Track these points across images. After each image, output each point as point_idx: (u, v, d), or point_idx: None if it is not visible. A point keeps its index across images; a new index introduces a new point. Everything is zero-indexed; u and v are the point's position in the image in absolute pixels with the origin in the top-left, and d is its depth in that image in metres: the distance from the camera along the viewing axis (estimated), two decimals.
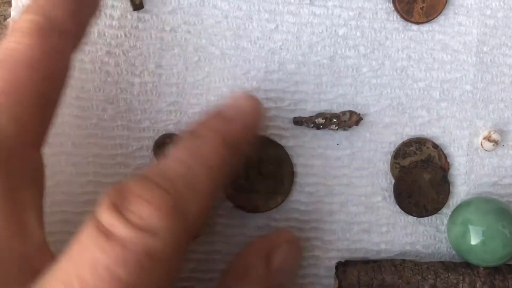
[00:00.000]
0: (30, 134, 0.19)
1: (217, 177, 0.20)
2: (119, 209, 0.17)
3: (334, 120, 0.28)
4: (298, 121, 0.28)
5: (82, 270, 0.16)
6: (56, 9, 0.21)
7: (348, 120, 0.28)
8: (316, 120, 0.28)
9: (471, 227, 0.26)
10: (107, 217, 0.17)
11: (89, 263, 0.16)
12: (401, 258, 0.28)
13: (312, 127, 0.28)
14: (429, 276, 0.27)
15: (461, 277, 0.27)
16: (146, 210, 0.17)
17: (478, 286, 0.27)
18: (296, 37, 0.28)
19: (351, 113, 0.28)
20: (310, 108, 0.28)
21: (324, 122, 0.28)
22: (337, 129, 0.28)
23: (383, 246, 0.29)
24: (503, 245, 0.26)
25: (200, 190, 0.19)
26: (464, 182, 0.29)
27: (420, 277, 0.27)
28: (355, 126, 0.28)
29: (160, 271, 0.17)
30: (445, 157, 0.29)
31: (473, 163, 0.29)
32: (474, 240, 0.26)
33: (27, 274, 0.17)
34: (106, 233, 0.17)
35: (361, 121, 0.28)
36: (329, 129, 0.28)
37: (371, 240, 0.29)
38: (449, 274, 0.27)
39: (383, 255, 0.29)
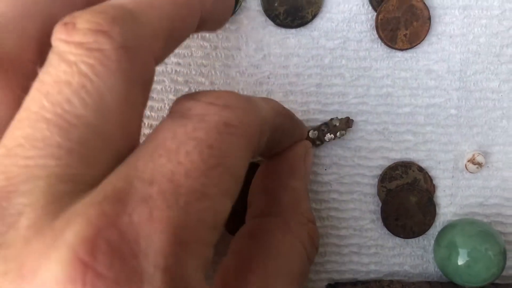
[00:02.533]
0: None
1: None
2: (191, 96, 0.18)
3: (322, 129, 0.28)
4: None
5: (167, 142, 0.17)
6: None
7: (339, 125, 0.28)
8: (309, 133, 0.28)
9: (456, 250, 0.27)
10: (182, 103, 0.18)
11: (170, 136, 0.17)
12: (390, 278, 0.29)
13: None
14: None
15: None
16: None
17: None
18: (283, 66, 0.29)
19: (340, 119, 0.29)
20: None
21: (317, 134, 0.28)
22: (333, 138, 0.28)
23: (372, 267, 0.29)
24: (487, 267, 0.27)
25: None
26: (450, 204, 0.30)
27: None
28: (350, 129, 0.29)
29: (238, 138, 0.18)
30: (431, 180, 0.29)
31: (458, 185, 0.29)
32: (458, 262, 0.27)
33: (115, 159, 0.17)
34: (182, 115, 0.18)
35: (350, 130, 0.29)
36: (325, 141, 0.28)
37: (360, 262, 0.29)
38: None
39: (372, 276, 0.29)
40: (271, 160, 0.26)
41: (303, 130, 0.27)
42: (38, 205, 0.15)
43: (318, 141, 0.28)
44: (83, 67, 0.16)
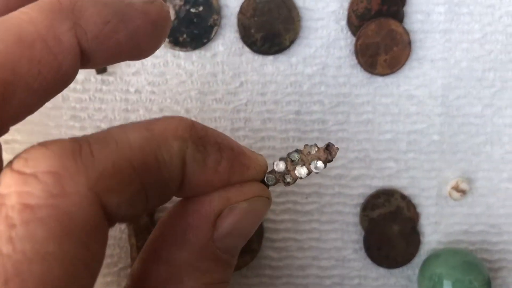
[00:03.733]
0: None
1: None
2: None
3: (295, 153, 0.21)
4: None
5: None
6: None
7: (315, 153, 0.21)
8: (275, 168, 0.21)
9: (440, 281, 0.26)
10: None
11: None
12: None
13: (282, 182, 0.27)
14: None
15: None
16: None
17: None
18: (261, 93, 0.28)
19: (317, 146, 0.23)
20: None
21: (286, 167, 0.21)
22: (308, 173, 0.21)
23: None
24: None
25: None
26: (434, 232, 0.29)
27: None
28: (329, 158, 0.21)
29: (44, 225, 0.14)
30: (414, 208, 0.29)
31: (442, 212, 0.29)
32: None
33: None
34: None
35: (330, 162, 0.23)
36: (299, 178, 0.24)
37: None
38: None
39: None
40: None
41: (249, 159, 0.19)
42: None
43: (288, 179, 0.21)
44: None
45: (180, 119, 0.18)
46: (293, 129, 0.28)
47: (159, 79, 0.28)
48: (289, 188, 0.28)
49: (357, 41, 0.28)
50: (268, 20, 0.28)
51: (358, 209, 0.29)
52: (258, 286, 0.28)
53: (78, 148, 0.15)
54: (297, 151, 0.21)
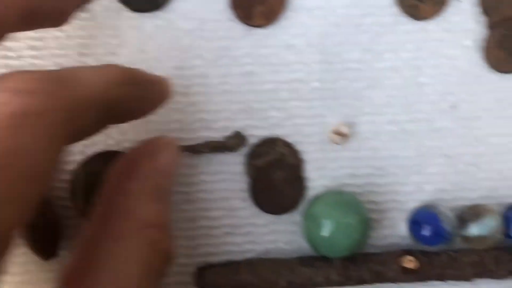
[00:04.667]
0: None
1: None
2: None
3: (220, 147, 0.28)
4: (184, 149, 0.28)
5: None
6: None
7: (234, 145, 0.28)
8: (202, 150, 0.28)
9: (317, 221, 0.27)
10: None
11: None
12: (265, 256, 0.29)
13: (197, 153, 0.28)
14: (285, 272, 0.28)
15: (316, 270, 0.28)
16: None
17: (332, 277, 0.28)
18: (141, 51, 0.29)
19: (236, 136, 0.28)
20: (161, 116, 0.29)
21: (210, 151, 0.28)
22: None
23: (246, 246, 0.29)
24: (347, 236, 0.27)
25: None
26: (320, 177, 0.29)
27: (276, 274, 0.28)
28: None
29: (34, 129, 0.17)
30: (298, 154, 0.29)
31: (327, 158, 0.29)
32: (320, 233, 0.27)
33: None
34: None
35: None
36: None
37: (234, 242, 0.29)
38: (305, 268, 0.28)
39: (247, 255, 0.29)
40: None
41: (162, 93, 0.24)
42: None
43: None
44: None
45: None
46: (176, 84, 0.29)
47: (39, 43, 0.28)
48: None
49: None
50: None
51: (243, 159, 0.29)
52: None
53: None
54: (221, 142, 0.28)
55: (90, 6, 0.28)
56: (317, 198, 0.28)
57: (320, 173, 0.29)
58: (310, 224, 0.27)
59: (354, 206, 0.27)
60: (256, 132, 0.29)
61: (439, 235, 0.28)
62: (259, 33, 0.29)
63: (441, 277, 0.28)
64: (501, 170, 0.30)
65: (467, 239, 0.28)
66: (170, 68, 0.29)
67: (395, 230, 0.30)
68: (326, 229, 0.27)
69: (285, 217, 0.29)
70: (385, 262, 0.28)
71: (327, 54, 0.29)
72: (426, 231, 0.28)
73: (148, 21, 0.29)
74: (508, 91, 0.30)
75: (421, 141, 0.29)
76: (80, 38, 0.29)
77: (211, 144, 0.28)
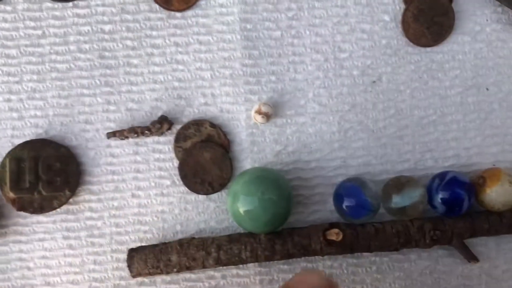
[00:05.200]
0: None
1: None
2: None
3: (147, 132, 0.29)
4: (111, 135, 0.29)
5: None
6: None
7: (160, 129, 0.29)
8: (128, 135, 0.29)
9: (237, 197, 0.27)
10: None
11: None
12: (198, 236, 0.30)
13: (123, 139, 0.29)
14: (213, 250, 0.28)
15: (243, 247, 0.28)
16: None
17: (259, 252, 0.28)
18: (64, 41, 0.29)
19: (162, 120, 0.29)
20: (88, 103, 0.29)
21: (137, 136, 0.29)
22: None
23: (178, 227, 0.30)
24: (267, 211, 0.27)
25: None
26: (248, 156, 0.30)
27: (204, 252, 0.28)
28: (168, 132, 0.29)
29: None
30: (224, 135, 0.30)
31: (253, 137, 0.30)
32: (241, 209, 0.27)
33: None
34: None
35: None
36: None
37: (167, 223, 0.30)
38: (232, 245, 0.28)
39: (180, 236, 0.30)
40: None
41: None
42: None
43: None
44: None
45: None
46: (99, 72, 0.29)
47: None
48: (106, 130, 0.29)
49: None
50: None
51: (172, 142, 0.30)
52: (80, 230, 0.30)
53: None
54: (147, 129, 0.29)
55: None
56: (239, 176, 0.28)
57: (247, 153, 0.30)
58: (232, 201, 0.28)
59: (275, 181, 0.28)
60: (182, 116, 0.30)
61: (362, 206, 0.28)
62: (180, 17, 0.30)
63: (368, 249, 0.29)
64: (425, 142, 0.30)
65: (391, 210, 0.29)
66: (93, 55, 0.29)
67: (324, 205, 0.30)
68: (245, 205, 0.27)
69: (215, 196, 0.30)
70: (310, 235, 0.28)
71: (247, 35, 0.30)
72: (349, 203, 0.28)
73: (69, 10, 0.29)
74: (427, 64, 0.30)
75: (344, 117, 0.30)
76: (3, 31, 0.29)
77: (137, 129, 0.29)
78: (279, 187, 0.28)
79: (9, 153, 0.29)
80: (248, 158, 0.30)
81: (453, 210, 0.29)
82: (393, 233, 0.29)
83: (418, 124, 0.30)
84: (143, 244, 0.30)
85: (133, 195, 0.30)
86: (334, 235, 0.28)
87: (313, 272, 0.25)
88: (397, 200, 0.28)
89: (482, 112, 0.30)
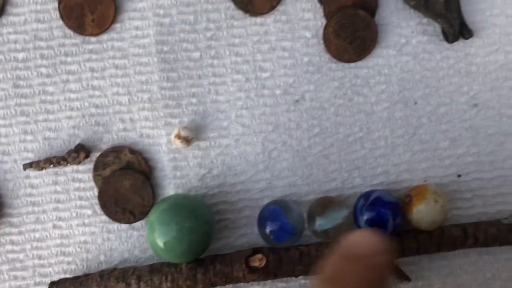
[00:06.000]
0: None
1: None
2: None
3: (63, 162, 0.28)
4: (27, 166, 0.28)
5: None
6: None
7: (76, 158, 0.28)
8: (44, 166, 0.28)
9: (153, 227, 0.27)
10: None
11: None
12: (122, 266, 0.29)
13: (41, 169, 0.28)
14: (133, 281, 0.27)
15: (164, 277, 0.28)
16: None
17: (180, 283, 0.27)
18: None
19: (78, 149, 0.28)
20: (4, 133, 0.29)
21: (53, 166, 0.28)
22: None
23: (102, 257, 0.29)
24: (179, 241, 0.26)
25: None
26: (170, 182, 0.29)
27: (124, 284, 0.28)
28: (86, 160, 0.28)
29: None
30: (145, 161, 0.29)
31: (176, 161, 0.29)
32: (158, 240, 0.26)
33: None
34: None
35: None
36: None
37: (91, 253, 0.29)
38: (153, 276, 0.28)
39: (104, 267, 0.29)
40: None
41: None
42: None
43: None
44: None
45: None
46: (15, 104, 0.29)
47: None
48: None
49: (59, 4, 0.28)
50: None
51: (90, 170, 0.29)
52: (1, 264, 0.29)
53: None
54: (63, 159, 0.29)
55: None
56: (156, 205, 0.28)
57: (170, 178, 0.29)
58: (149, 231, 0.27)
59: (193, 208, 0.27)
60: (101, 143, 0.29)
61: (284, 230, 0.27)
62: (95, 41, 0.29)
63: (292, 273, 0.28)
64: (352, 160, 0.29)
65: (315, 232, 0.28)
66: (7, 84, 0.29)
67: (251, 228, 0.29)
68: (162, 235, 0.26)
69: (138, 224, 0.29)
70: (232, 262, 0.28)
71: (165, 57, 0.29)
72: (271, 227, 0.28)
73: None
74: (352, 80, 0.29)
75: (268, 137, 0.29)
76: None
77: (53, 159, 0.28)
78: (197, 214, 0.27)
79: None
80: (171, 184, 0.29)
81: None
82: (318, 255, 0.28)
83: (344, 142, 0.29)
84: (67, 275, 0.29)
85: (54, 226, 0.29)
86: (257, 261, 0.28)
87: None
88: (321, 222, 0.28)
89: (411, 127, 0.30)
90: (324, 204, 0.28)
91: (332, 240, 0.28)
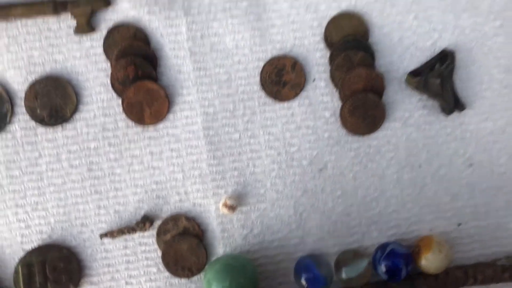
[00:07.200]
0: None
1: None
2: None
3: (132, 231, 0.35)
4: (103, 236, 0.35)
5: None
6: None
7: (143, 227, 0.34)
8: (117, 235, 0.35)
9: (210, 284, 0.33)
10: None
11: None
12: None
13: (114, 238, 0.35)
14: None
15: None
16: None
17: None
18: (57, 158, 0.35)
19: (144, 220, 0.34)
20: (82, 209, 0.35)
21: (125, 234, 0.35)
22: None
23: None
24: None
25: None
26: (220, 242, 0.35)
27: None
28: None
29: None
30: (198, 226, 0.35)
31: (223, 225, 0.35)
32: None
33: None
34: None
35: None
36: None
37: None
38: None
39: None
40: None
41: None
42: None
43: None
44: None
45: None
46: (89, 185, 0.35)
47: None
48: None
49: (122, 102, 0.34)
50: (49, 99, 0.34)
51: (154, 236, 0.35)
52: None
53: None
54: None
55: (10, 127, 0.34)
56: (211, 264, 0.34)
57: (218, 240, 0.35)
58: (207, 286, 0.33)
59: (242, 267, 0.33)
60: (161, 213, 0.35)
61: (316, 280, 0.33)
62: (152, 130, 0.35)
63: None
64: (369, 217, 0.35)
65: (342, 280, 0.34)
66: (84, 171, 0.35)
67: (289, 277, 0.35)
68: None
69: (195, 279, 0.35)
70: None
71: (210, 139, 0.35)
72: (304, 278, 0.34)
73: (59, 133, 0.35)
74: (366, 150, 0.35)
75: (298, 201, 0.35)
76: (7, 155, 0.35)
77: (125, 229, 0.34)
78: (245, 271, 0.33)
79: (20, 260, 0.34)
80: (220, 244, 0.35)
81: (394, 277, 0.34)
82: None
83: (362, 202, 0.35)
84: None
85: (126, 283, 0.35)
86: None
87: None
88: (347, 272, 0.34)
89: (417, 187, 0.35)
90: (348, 257, 0.34)
91: (356, 286, 0.34)
